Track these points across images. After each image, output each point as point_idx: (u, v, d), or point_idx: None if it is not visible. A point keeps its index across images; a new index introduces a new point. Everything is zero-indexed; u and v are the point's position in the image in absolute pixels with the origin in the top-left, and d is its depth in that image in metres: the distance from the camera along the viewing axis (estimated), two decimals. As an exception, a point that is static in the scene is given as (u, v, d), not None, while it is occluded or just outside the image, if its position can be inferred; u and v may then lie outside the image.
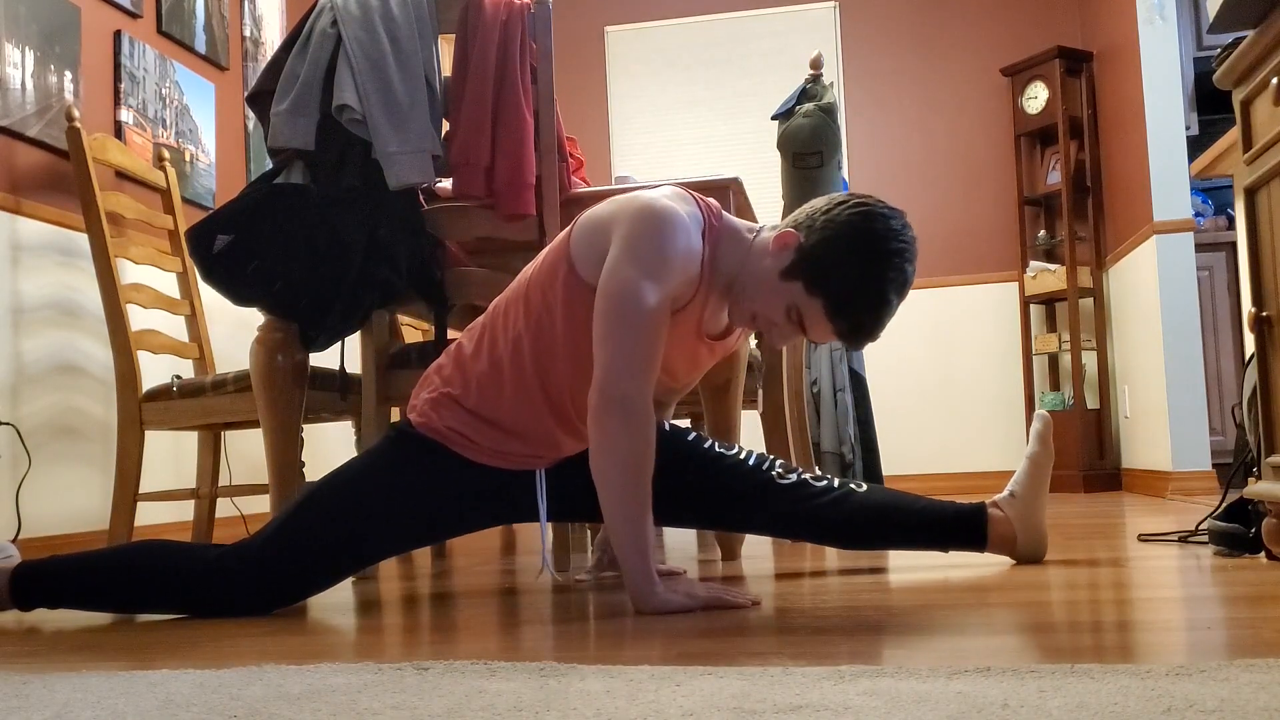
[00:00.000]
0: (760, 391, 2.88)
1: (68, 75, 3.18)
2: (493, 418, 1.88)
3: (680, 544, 3.03)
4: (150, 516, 3.37)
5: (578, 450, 1.95)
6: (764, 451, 2.11)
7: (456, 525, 1.96)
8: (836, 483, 2.06)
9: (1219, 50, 2.10)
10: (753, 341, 2.94)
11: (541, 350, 1.85)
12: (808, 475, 2.07)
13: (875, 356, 5.66)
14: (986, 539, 2.07)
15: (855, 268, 1.71)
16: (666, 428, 2.09)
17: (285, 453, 2.45)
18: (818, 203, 1.80)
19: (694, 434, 2.10)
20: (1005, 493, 2.10)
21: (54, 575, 1.87)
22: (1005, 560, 2.18)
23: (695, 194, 1.86)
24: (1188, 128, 4.62)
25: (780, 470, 2.06)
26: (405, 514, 1.89)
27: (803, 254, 1.74)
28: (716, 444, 2.09)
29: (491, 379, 1.88)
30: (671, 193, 1.82)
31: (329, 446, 4.39)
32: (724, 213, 1.87)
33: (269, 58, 2.75)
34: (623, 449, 1.69)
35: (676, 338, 1.85)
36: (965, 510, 2.07)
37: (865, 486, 2.06)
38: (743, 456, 2.07)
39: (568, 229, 1.87)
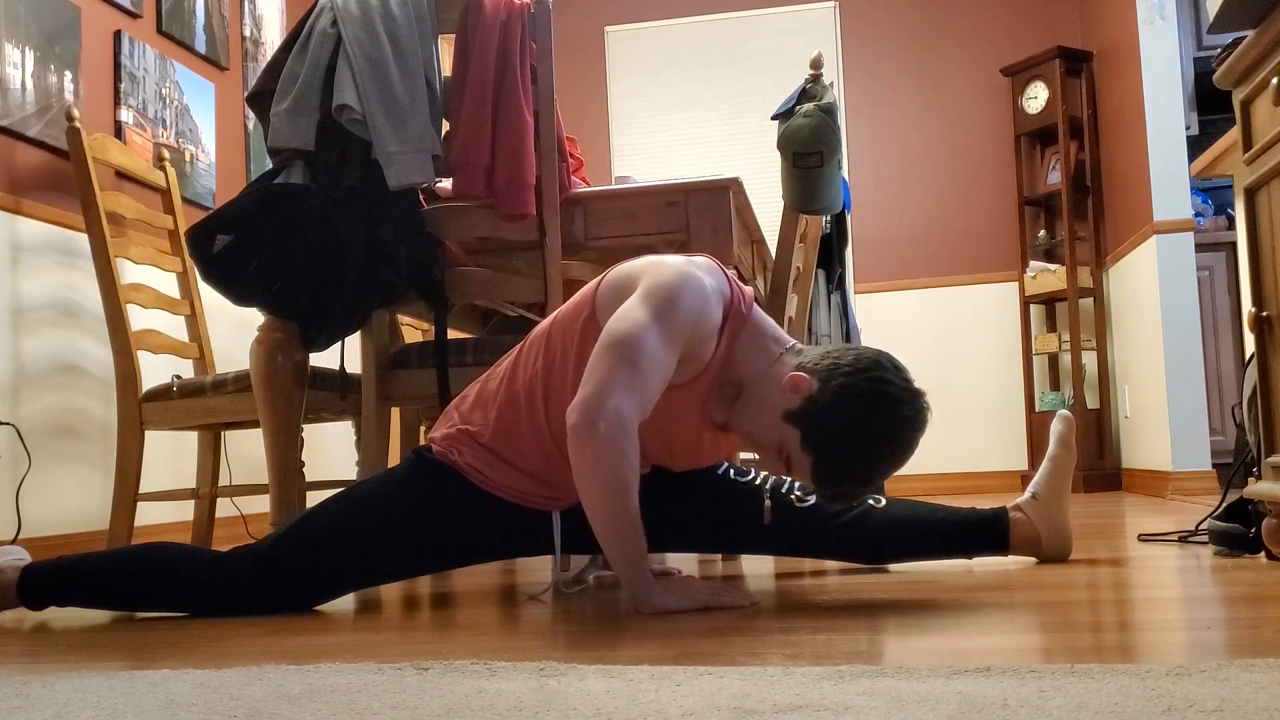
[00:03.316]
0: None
1: (68, 75, 3.18)
2: (509, 457, 1.87)
3: (680, 544, 3.03)
4: (150, 516, 3.37)
5: None
6: (779, 478, 2.10)
7: (466, 553, 1.93)
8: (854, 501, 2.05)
9: (1219, 50, 2.10)
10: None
11: (551, 392, 1.84)
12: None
13: (875, 356, 5.65)
14: (1009, 543, 2.07)
15: (852, 446, 1.67)
16: None
17: (285, 453, 2.45)
18: (844, 355, 1.73)
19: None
20: (1027, 494, 2.11)
21: (63, 575, 1.88)
22: (1012, 560, 2.18)
23: (730, 275, 1.84)
24: (1188, 128, 4.62)
25: (799, 493, 2.05)
26: (416, 534, 1.87)
27: (808, 407, 1.69)
28: (731, 469, 2.09)
29: (510, 415, 1.87)
30: (704, 263, 1.81)
31: (329, 446, 4.39)
32: (755, 306, 1.84)
33: (269, 58, 2.75)
34: (602, 467, 1.65)
35: (679, 412, 1.82)
36: (986, 516, 2.08)
37: (884, 501, 2.06)
38: (759, 482, 2.06)
39: (600, 275, 1.87)
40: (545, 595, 2.02)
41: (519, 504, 1.90)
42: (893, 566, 2.18)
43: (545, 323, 1.92)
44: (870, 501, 2.05)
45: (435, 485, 1.88)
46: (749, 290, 1.85)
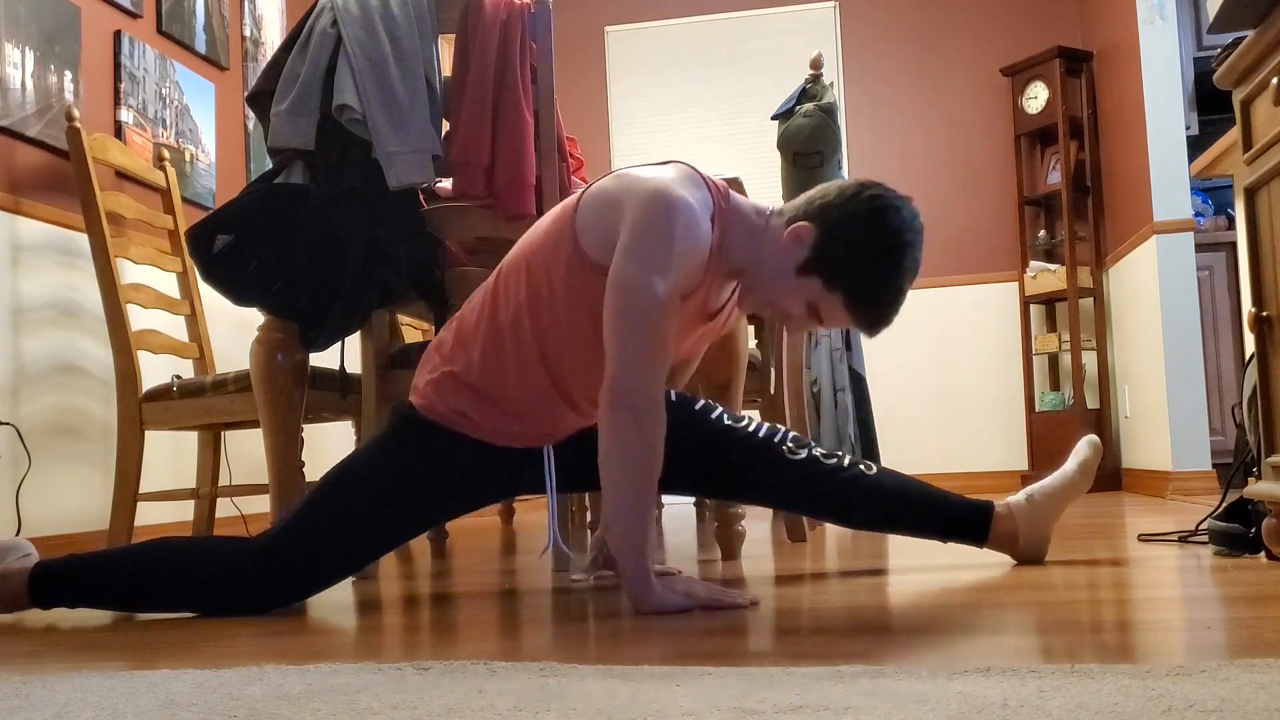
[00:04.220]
0: (760, 390, 2.87)
1: (68, 75, 3.18)
2: (496, 395, 1.88)
3: (680, 544, 3.03)
4: (150, 516, 3.37)
5: (581, 426, 1.96)
6: (774, 425, 2.10)
7: (465, 502, 1.96)
8: (846, 461, 2.04)
9: (1219, 50, 2.10)
10: (752, 341, 2.94)
11: (543, 327, 1.84)
12: (819, 452, 2.05)
13: (875, 357, 5.66)
14: (987, 536, 2.07)
15: (874, 264, 1.73)
16: (674, 397, 2.08)
17: (285, 453, 2.45)
18: (828, 192, 1.78)
19: (702, 403, 2.09)
20: (1021, 496, 2.10)
21: (72, 574, 1.88)
22: (1007, 560, 2.18)
23: (705, 175, 1.84)
24: (1188, 128, 4.62)
25: (791, 445, 2.04)
26: (414, 498, 1.89)
27: (819, 250, 1.74)
28: (726, 415, 2.08)
29: (494, 351, 1.87)
30: (681, 176, 1.79)
31: (329, 446, 4.39)
32: (731, 193, 1.86)
33: (269, 58, 2.75)
34: (632, 449, 1.68)
35: (683, 321, 1.84)
36: (973, 505, 2.08)
37: (875, 469, 2.05)
38: (752, 429, 2.06)
39: (573, 200, 1.85)
40: (546, 552, 2.03)
41: (510, 446, 1.91)
42: (891, 566, 2.18)
43: (518, 250, 1.90)
44: (861, 467, 2.05)
45: (424, 445, 1.89)
46: (721, 182, 1.85)
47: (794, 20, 5.94)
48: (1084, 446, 2.11)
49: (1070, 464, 2.10)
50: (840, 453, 2.08)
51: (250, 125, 4.15)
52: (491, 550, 3.19)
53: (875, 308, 1.75)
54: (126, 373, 2.92)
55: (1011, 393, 5.64)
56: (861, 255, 1.73)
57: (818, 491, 2.03)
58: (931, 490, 2.08)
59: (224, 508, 3.66)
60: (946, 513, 2.06)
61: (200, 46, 3.85)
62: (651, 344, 1.69)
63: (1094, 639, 1.31)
